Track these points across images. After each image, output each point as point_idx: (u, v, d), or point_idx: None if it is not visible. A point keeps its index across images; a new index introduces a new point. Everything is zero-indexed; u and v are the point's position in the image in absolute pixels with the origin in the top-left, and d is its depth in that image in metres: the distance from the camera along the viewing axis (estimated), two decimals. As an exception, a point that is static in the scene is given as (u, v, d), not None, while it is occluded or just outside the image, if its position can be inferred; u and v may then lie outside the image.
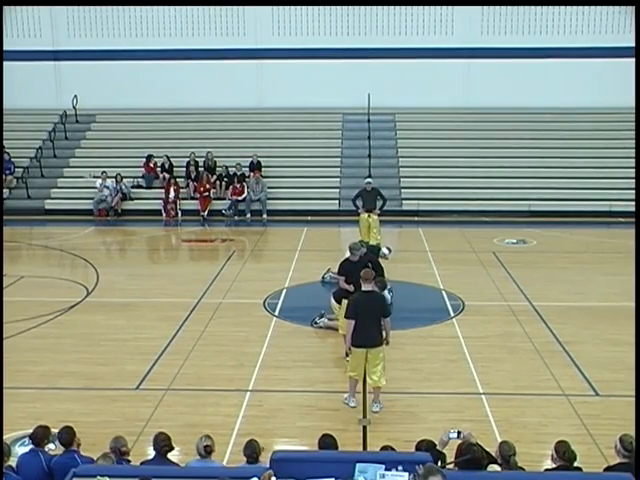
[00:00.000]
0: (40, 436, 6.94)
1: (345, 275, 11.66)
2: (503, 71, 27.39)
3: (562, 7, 27.62)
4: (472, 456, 6.11)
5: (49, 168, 25.91)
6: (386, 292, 13.33)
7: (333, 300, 12.37)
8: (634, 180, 23.29)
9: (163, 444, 6.84)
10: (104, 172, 24.21)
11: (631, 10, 26.33)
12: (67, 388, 10.29)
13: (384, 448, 7.09)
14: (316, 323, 12.86)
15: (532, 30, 27.87)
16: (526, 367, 11.03)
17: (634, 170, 21.05)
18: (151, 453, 7.05)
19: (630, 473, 5.77)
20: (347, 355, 10.67)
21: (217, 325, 12.99)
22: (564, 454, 6.45)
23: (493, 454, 6.57)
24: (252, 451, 6.74)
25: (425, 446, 6.60)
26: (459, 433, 6.46)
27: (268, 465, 5.86)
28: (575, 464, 6.55)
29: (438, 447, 6.49)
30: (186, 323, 13.09)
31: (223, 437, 8.43)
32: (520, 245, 19.83)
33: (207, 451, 6.80)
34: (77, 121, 27.97)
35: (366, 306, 9.55)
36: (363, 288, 9.76)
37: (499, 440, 7.26)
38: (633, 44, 24.15)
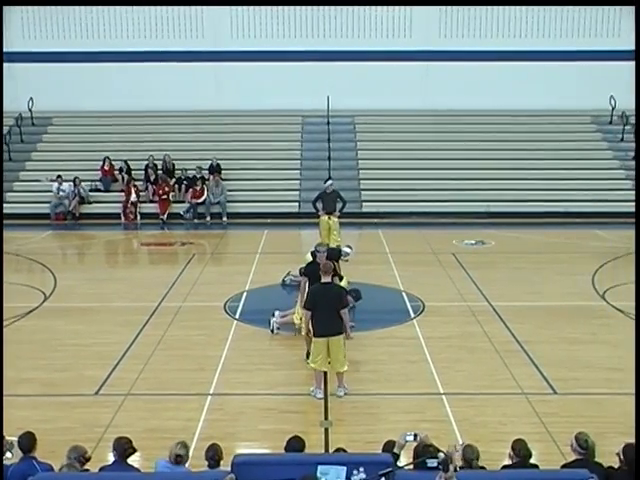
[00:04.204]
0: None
1: (308, 276, 11.61)
2: (461, 73, 27.59)
3: (517, 10, 28.05)
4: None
5: (5, 172, 25.45)
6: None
7: None
8: (592, 181, 23.86)
9: (127, 446, 6.75)
10: (59, 176, 23.90)
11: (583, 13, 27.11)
12: (24, 395, 10.12)
13: (337, 450, 7.11)
14: (272, 330, 12.55)
15: (488, 33, 28.23)
16: (485, 367, 11.13)
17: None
18: (111, 459, 6.97)
19: (586, 469, 5.90)
20: (308, 356, 10.70)
21: (177, 329, 12.88)
22: (519, 451, 6.66)
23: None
24: (213, 454, 6.71)
25: (390, 447, 6.62)
26: (415, 436, 6.48)
27: (230, 469, 5.85)
28: (534, 461, 6.70)
29: (395, 450, 6.49)
30: (146, 327, 12.98)
31: (184, 442, 8.38)
32: (479, 246, 20.01)
33: (177, 461, 6.74)
34: (33, 124, 27.61)
35: (324, 297, 9.85)
36: (322, 280, 10.04)
37: (459, 440, 7.33)
38: (582, 47, 25.02)
